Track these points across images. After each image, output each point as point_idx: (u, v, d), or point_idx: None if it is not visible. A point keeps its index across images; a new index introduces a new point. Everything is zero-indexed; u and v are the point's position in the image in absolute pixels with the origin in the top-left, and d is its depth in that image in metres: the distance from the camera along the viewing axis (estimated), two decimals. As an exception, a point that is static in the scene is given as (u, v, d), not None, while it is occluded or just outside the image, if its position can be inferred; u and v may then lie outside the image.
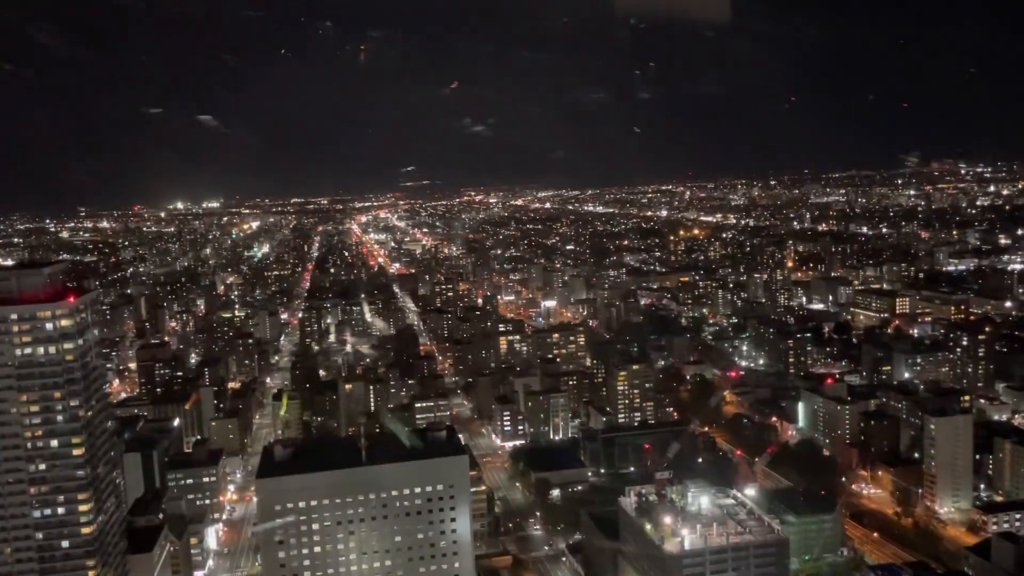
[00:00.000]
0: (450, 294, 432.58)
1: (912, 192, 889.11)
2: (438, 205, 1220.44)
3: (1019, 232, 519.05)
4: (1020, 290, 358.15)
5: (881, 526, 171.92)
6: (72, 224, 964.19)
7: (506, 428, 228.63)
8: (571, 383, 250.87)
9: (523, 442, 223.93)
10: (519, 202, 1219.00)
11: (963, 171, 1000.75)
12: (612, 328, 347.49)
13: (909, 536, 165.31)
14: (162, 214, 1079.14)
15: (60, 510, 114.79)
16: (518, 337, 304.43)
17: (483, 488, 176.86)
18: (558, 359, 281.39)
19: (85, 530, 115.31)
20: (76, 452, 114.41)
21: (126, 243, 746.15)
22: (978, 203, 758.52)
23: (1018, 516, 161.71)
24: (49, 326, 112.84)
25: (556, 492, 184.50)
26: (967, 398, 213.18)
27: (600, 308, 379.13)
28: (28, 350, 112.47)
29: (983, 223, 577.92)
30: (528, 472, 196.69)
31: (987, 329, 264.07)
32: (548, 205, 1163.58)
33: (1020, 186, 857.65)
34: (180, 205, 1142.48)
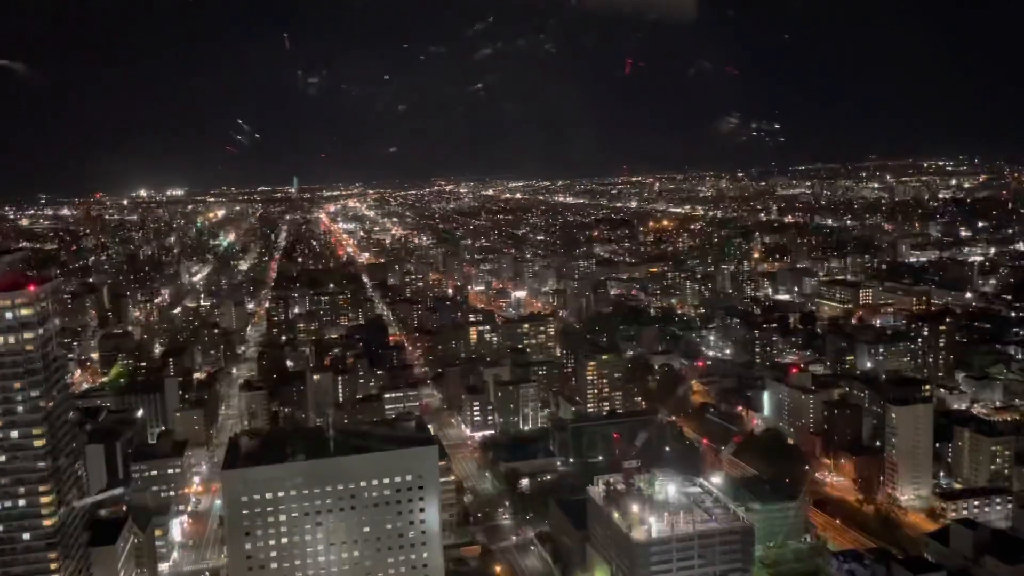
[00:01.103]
0: (420, 284, 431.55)
1: (876, 185, 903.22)
2: (408, 194, 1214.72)
3: (979, 224, 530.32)
4: (980, 282, 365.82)
5: (843, 513, 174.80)
6: (32, 211, 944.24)
7: (476, 418, 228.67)
8: (541, 373, 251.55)
9: (492, 432, 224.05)
10: (490, 192, 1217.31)
11: (925, 164, 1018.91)
12: (582, 318, 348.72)
13: (870, 523, 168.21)
14: (124, 201, 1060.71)
15: (21, 502, 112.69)
16: (488, 327, 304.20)
17: (452, 478, 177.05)
18: (528, 349, 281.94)
19: (47, 522, 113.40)
20: (37, 443, 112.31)
21: (87, 231, 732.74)
22: (940, 196, 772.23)
23: (976, 503, 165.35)
24: (9, 315, 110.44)
25: (525, 482, 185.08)
26: (927, 387, 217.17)
27: (570, 298, 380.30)
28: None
29: (944, 216, 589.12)
30: (497, 462, 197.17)
31: (947, 320, 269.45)
32: (519, 195, 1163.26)
33: (981, 179, 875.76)
34: (143, 192, 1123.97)
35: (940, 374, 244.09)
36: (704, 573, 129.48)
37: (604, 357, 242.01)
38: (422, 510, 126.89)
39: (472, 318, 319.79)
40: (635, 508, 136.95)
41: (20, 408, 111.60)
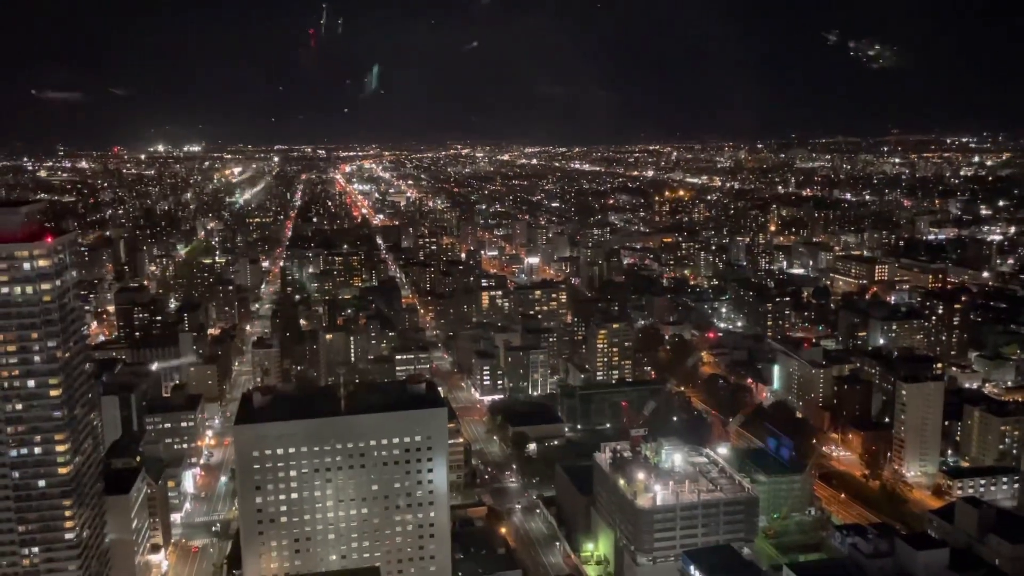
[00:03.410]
0: (433, 247, 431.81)
1: (897, 160, 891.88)
2: (424, 157, 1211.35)
3: (1000, 203, 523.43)
4: (997, 260, 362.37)
5: (849, 487, 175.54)
6: (50, 163, 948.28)
7: (485, 382, 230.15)
8: (551, 340, 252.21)
9: (502, 397, 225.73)
10: (505, 157, 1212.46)
11: (948, 140, 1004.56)
12: (594, 287, 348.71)
13: (876, 498, 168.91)
14: (142, 156, 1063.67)
15: (37, 450, 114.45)
16: (500, 293, 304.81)
17: (461, 440, 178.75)
18: (539, 316, 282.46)
19: (62, 470, 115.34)
20: (53, 393, 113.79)
21: (105, 184, 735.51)
22: (962, 173, 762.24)
23: (982, 481, 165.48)
24: (26, 266, 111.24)
25: (533, 446, 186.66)
26: (939, 365, 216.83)
27: (583, 266, 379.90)
28: (5, 290, 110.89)
29: (965, 193, 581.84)
30: (506, 426, 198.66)
31: (963, 298, 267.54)
32: (535, 161, 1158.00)
33: (1004, 157, 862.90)
34: (161, 148, 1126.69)
35: (953, 352, 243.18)
36: (707, 542, 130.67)
37: (615, 326, 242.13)
38: (430, 470, 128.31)
39: (484, 283, 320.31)
40: (641, 475, 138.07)
41: (37, 358, 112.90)
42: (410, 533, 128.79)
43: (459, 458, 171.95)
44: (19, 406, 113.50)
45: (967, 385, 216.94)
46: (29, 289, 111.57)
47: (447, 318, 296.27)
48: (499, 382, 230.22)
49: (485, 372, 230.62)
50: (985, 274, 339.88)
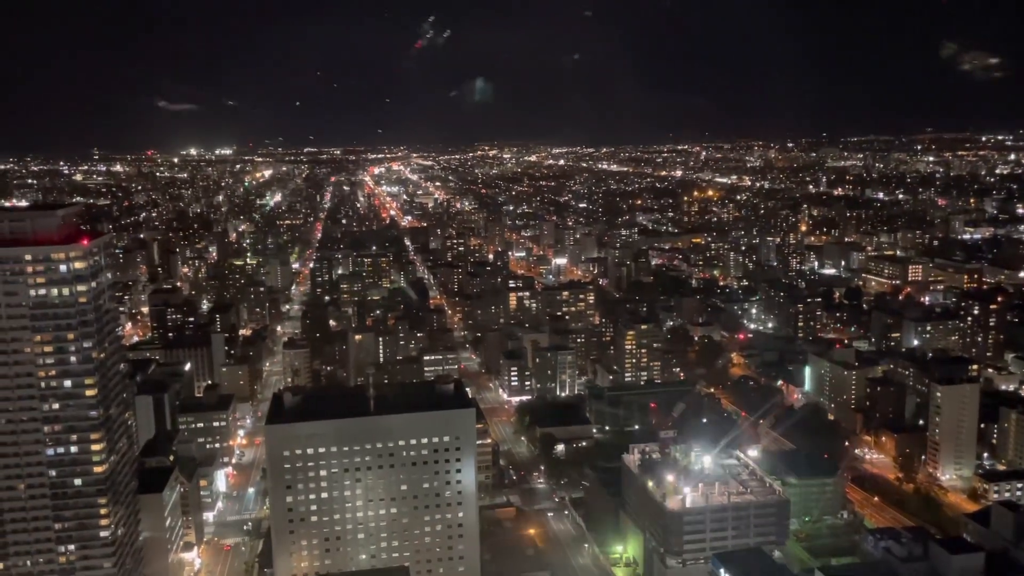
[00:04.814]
0: (461, 249, 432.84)
1: (931, 158, 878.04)
2: (451, 159, 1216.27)
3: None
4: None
5: (882, 491, 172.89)
6: (86, 167, 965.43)
7: (513, 383, 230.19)
8: (579, 341, 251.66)
9: (530, 397, 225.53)
10: (533, 158, 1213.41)
11: (983, 138, 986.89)
12: (622, 287, 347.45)
13: (910, 501, 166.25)
14: (175, 159, 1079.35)
15: (73, 449, 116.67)
16: (528, 293, 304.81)
17: (489, 441, 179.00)
18: (567, 317, 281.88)
19: (97, 469, 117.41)
20: (89, 393, 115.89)
21: (139, 187, 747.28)
22: (997, 171, 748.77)
23: (1019, 485, 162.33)
24: (63, 268, 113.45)
25: (561, 447, 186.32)
26: (975, 367, 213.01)
27: (611, 267, 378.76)
28: (42, 291, 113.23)
29: (1001, 192, 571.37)
30: (534, 427, 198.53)
31: (999, 299, 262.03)
32: (562, 162, 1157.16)
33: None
34: (193, 151, 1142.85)
35: (989, 354, 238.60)
36: (738, 544, 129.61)
37: (643, 326, 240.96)
38: (459, 471, 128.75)
39: (512, 284, 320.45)
40: (670, 477, 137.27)
41: (73, 358, 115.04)
42: (439, 533, 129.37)
43: (487, 459, 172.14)
44: (56, 405, 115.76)
45: (1003, 387, 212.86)
46: (66, 291, 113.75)
47: (475, 319, 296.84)
48: (527, 383, 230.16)
49: (513, 373, 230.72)
50: (1022, 274, 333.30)
